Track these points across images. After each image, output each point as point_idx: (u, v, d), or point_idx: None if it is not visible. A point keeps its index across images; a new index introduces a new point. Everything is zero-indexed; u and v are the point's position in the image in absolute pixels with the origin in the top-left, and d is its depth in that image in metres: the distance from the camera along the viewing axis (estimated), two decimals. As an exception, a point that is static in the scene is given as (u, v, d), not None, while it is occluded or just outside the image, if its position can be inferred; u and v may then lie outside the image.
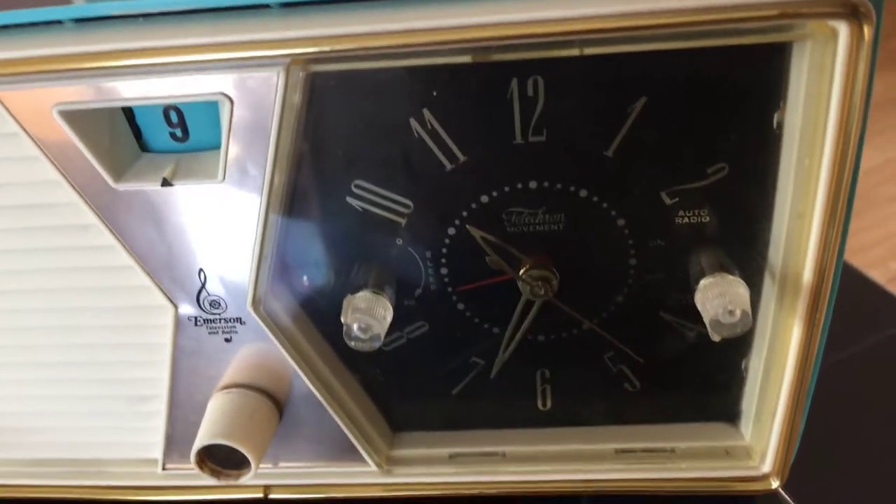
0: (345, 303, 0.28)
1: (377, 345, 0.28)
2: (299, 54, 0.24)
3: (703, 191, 0.28)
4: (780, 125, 0.26)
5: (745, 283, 0.27)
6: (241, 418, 0.30)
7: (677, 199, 0.28)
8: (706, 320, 0.27)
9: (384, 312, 0.28)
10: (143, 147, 0.28)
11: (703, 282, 0.27)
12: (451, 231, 0.29)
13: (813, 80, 0.24)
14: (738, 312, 0.26)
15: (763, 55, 0.25)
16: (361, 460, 0.34)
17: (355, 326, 0.28)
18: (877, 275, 0.54)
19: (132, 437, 0.35)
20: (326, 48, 0.23)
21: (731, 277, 0.27)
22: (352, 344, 0.28)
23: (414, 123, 0.27)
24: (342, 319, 0.28)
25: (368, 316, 0.28)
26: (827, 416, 0.31)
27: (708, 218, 0.28)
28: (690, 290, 0.28)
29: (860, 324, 0.44)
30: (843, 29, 0.22)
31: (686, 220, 0.28)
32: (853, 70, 0.22)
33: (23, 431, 0.35)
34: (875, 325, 0.44)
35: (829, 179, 0.25)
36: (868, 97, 0.23)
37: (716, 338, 0.27)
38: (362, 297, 0.28)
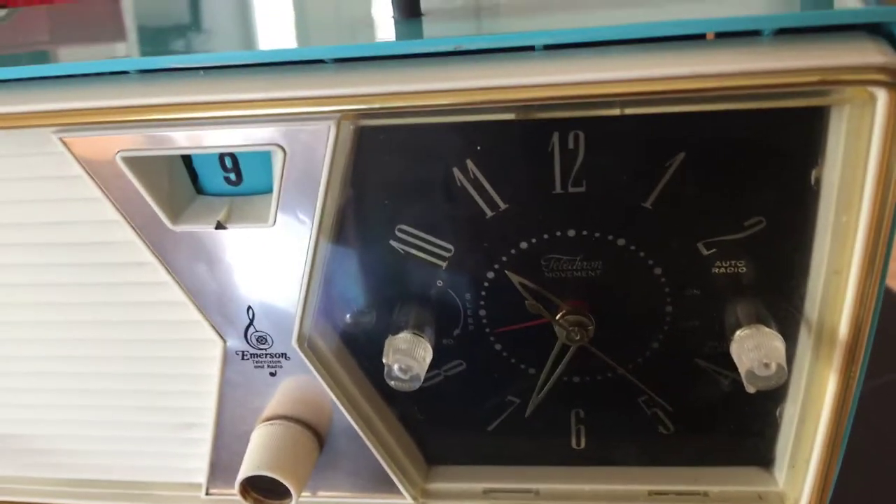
0: (386, 344, 0.29)
1: (417, 385, 0.29)
2: (349, 111, 0.25)
3: (740, 243, 0.28)
4: (818, 182, 0.26)
5: (781, 336, 0.27)
6: (283, 450, 0.32)
7: (714, 251, 0.28)
8: (741, 372, 0.27)
9: (424, 354, 0.29)
10: (199, 189, 0.30)
11: (738, 333, 0.28)
12: (491, 275, 0.30)
13: (851, 141, 0.24)
14: (773, 366, 0.27)
15: (802, 115, 0.25)
16: (398, 492, 0.35)
17: (396, 367, 0.29)
18: None
19: (178, 462, 0.36)
20: (376, 105, 0.24)
21: (767, 330, 0.27)
22: (392, 384, 0.29)
23: (457, 173, 0.28)
24: (384, 360, 0.29)
25: (409, 357, 0.29)
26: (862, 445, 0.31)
27: (745, 269, 0.29)
28: (726, 339, 0.29)
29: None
30: (881, 95, 0.22)
31: (723, 270, 0.29)
32: (891, 134, 0.23)
33: (75, 453, 0.37)
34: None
35: (865, 238, 0.25)
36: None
37: (751, 389, 0.27)
38: (403, 339, 0.29)
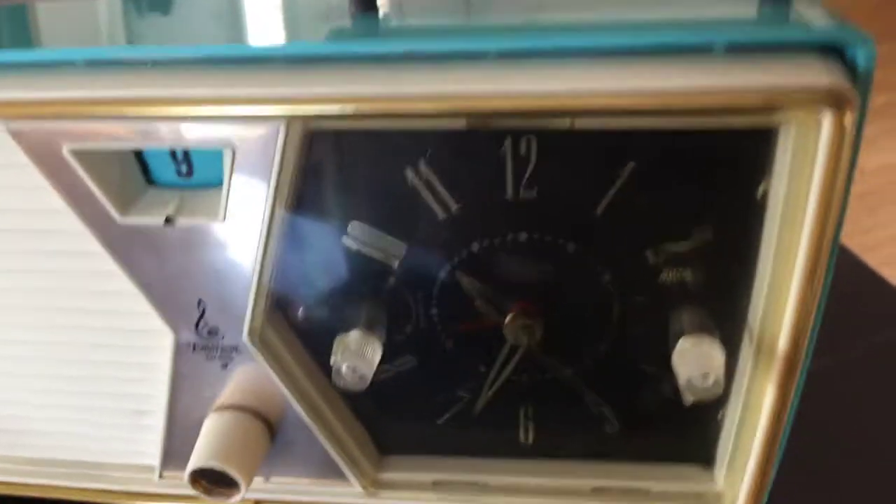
0: (336, 342, 0.29)
1: (364, 385, 0.29)
2: (298, 114, 0.24)
3: (687, 252, 0.28)
4: (766, 195, 0.27)
5: (722, 348, 0.28)
6: (233, 441, 0.32)
7: (662, 259, 0.29)
8: (680, 382, 0.27)
9: (373, 354, 0.29)
10: (150, 180, 0.30)
11: (681, 343, 0.28)
12: (443, 275, 0.30)
13: (797, 160, 0.24)
14: (711, 378, 0.27)
15: (751, 131, 0.25)
16: (349, 482, 0.35)
17: (344, 367, 0.29)
18: (890, 273, 0.54)
19: (132, 446, 0.36)
20: (323, 109, 0.24)
21: (708, 340, 0.28)
22: (340, 383, 0.29)
23: (410, 174, 0.28)
24: (332, 359, 0.29)
25: (358, 358, 0.29)
26: (827, 420, 0.31)
27: (691, 278, 0.29)
28: (670, 345, 0.29)
29: (872, 322, 0.45)
30: (826, 118, 0.22)
31: (670, 278, 0.29)
32: (835, 157, 0.23)
33: (29, 433, 0.37)
34: (887, 323, 0.45)
35: (806, 256, 0.25)
36: (850, 177, 0.24)
37: (688, 399, 0.27)
38: (353, 338, 0.29)
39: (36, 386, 0.35)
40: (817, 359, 0.28)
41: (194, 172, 0.29)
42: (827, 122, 0.22)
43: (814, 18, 0.24)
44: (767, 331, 0.28)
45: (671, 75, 0.23)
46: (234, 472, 0.31)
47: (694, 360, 0.27)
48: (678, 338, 0.29)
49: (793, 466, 0.31)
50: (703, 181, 0.27)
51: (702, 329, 0.29)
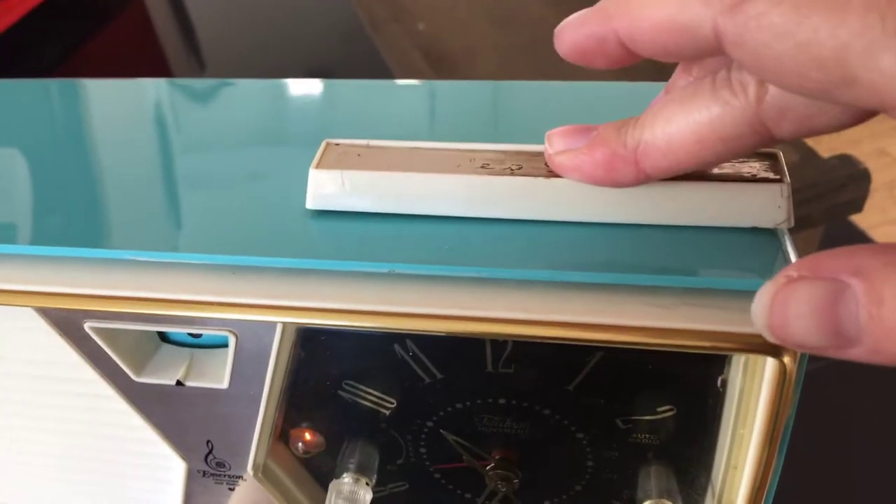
0: (330, 487, 0.33)
1: (356, 528, 0.32)
2: (292, 322, 0.27)
3: (653, 423, 0.31)
4: (724, 384, 0.29)
5: (682, 512, 0.30)
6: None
7: (630, 426, 0.31)
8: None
9: (364, 498, 0.32)
10: (163, 336, 0.32)
11: (644, 506, 0.31)
12: (430, 424, 0.33)
13: (746, 379, 0.26)
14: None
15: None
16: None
17: (337, 514, 0.32)
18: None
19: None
20: (315, 320, 0.27)
21: (668, 507, 0.30)
22: (333, 528, 0.32)
23: (398, 348, 0.30)
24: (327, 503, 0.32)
25: (350, 503, 0.32)
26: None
27: (658, 442, 0.31)
28: (638, 497, 0.32)
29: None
30: (768, 363, 0.24)
31: (638, 439, 0.31)
32: (777, 394, 0.25)
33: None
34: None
35: (757, 453, 0.27)
36: (794, 406, 0.26)
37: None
38: (346, 485, 0.32)
39: (59, 492, 0.38)
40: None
41: (203, 335, 0.32)
42: (769, 366, 0.24)
43: (765, 250, 0.26)
44: (726, 494, 0.30)
45: (622, 313, 0.25)
46: (239, 593, 0.34)
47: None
48: (645, 496, 0.31)
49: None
50: (666, 370, 0.29)
51: (666, 493, 0.31)
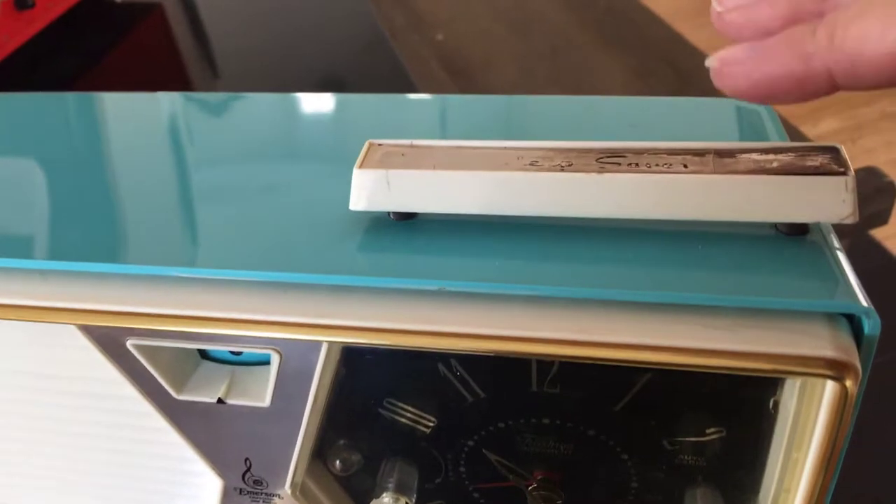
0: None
1: (396, 548, 0.32)
2: (337, 342, 0.27)
3: (701, 445, 0.30)
4: (777, 406, 0.28)
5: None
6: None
7: (678, 447, 0.30)
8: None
9: (405, 517, 0.32)
10: (203, 353, 0.32)
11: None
12: (470, 443, 0.32)
13: (802, 402, 0.26)
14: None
15: (762, 359, 0.27)
16: None
17: (378, 534, 0.32)
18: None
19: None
20: (361, 340, 0.26)
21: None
22: (374, 548, 0.32)
23: (442, 368, 0.30)
24: (367, 524, 0.32)
25: (390, 524, 0.32)
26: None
27: (705, 464, 0.31)
28: (684, 515, 0.31)
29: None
30: (828, 387, 0.24)
31: (685, 461, 0.31)
32: (836, 418, 0.24)
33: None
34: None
35: (812, 476, 0.27)
36: (850, 429, 0.25)
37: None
38: (387, 499, 0.32)
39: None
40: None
41: (244, 352, 0.31)
42: (829, 389, 0.24)
43: (822, 267, 0.25)
44: (776, 519, 0.30)
45: (677, 334, 0.24)
46: None
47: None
48: (691, 513, 0.31)
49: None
50: (715, 392, 0.28)
51: (713, 514, 0.30)
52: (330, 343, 0.27)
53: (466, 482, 0.34)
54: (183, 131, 0.40)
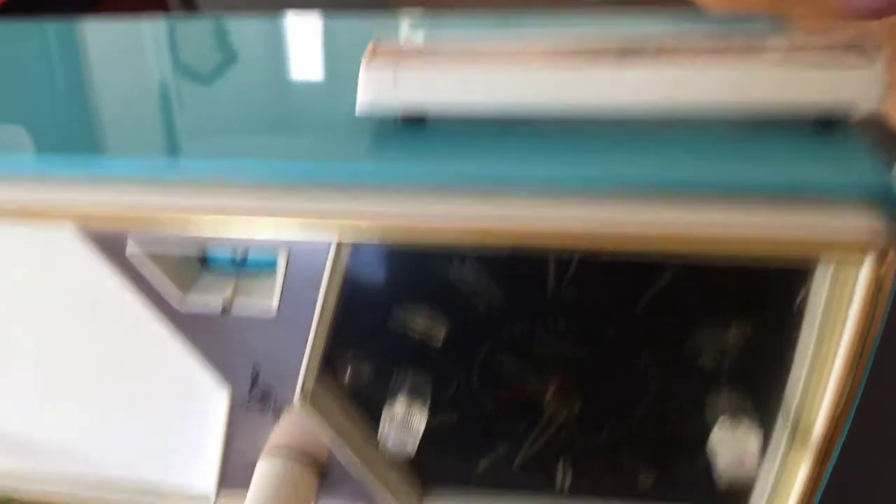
0: (384, 413, 0.31)
1: (411, 453, 0.31)
2: (346, 236, 0.25)
3: (725, 345, 0.29)
4: (805, 301, 0.27)
5: (758, 433, 0.29)
6: (284, 488, 0.34)
7: (700, 348, 0.29)
8: (716, 467, 0.29)
9: (418, 424, 0.31)
10: (204, 263, 0.31)
11: (717, 430, 0.29)
12: (485, 352, 0.31)
13: (834, 292, 0.25)
14: (746, 464, 0.28)
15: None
16: (394, 512, 0.37)
17: (391, 439, 0.31)
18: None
19: (190, 479, 0.39)
20: (372, 233, 0.25)
21: (745, 427, 0.29)
22: (388, 451, 0.31)
23: (454, 270, 0.29)
24: (380, 430, 0.31)
25: (404, 430, 0.31)
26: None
27: (729, 366, 0.30)
28: (707, 422, 0.30)
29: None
30: (866, 266, 0.23)
31: (707, 363, 0.30)
32: (871, 303, 0.23)
33: (87, 458, 0.40)
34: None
35: (842, 369, 0.26)
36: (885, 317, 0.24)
37: (722, 483, 0.29)
38: (399, 409, 0.31)
39: (96, 418, 0.37)
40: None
41: (248, 258, 0.30)
42: (866, 271, 0.23)
43: (855, 154, 0.24)
44: (804, 416, 0.29)
45: (709, 218, 0.23)
46: (287, 525, 0.33)
47: (730, 448, 0.28)
48: (715, 416, 0.30)
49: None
50: (740, 289, 0.27)
51: (738, 413, 0.29)
52: (339, 244, 0.26)
53: (481, 394, 0.33)
54: (179, 45, 0.38)
